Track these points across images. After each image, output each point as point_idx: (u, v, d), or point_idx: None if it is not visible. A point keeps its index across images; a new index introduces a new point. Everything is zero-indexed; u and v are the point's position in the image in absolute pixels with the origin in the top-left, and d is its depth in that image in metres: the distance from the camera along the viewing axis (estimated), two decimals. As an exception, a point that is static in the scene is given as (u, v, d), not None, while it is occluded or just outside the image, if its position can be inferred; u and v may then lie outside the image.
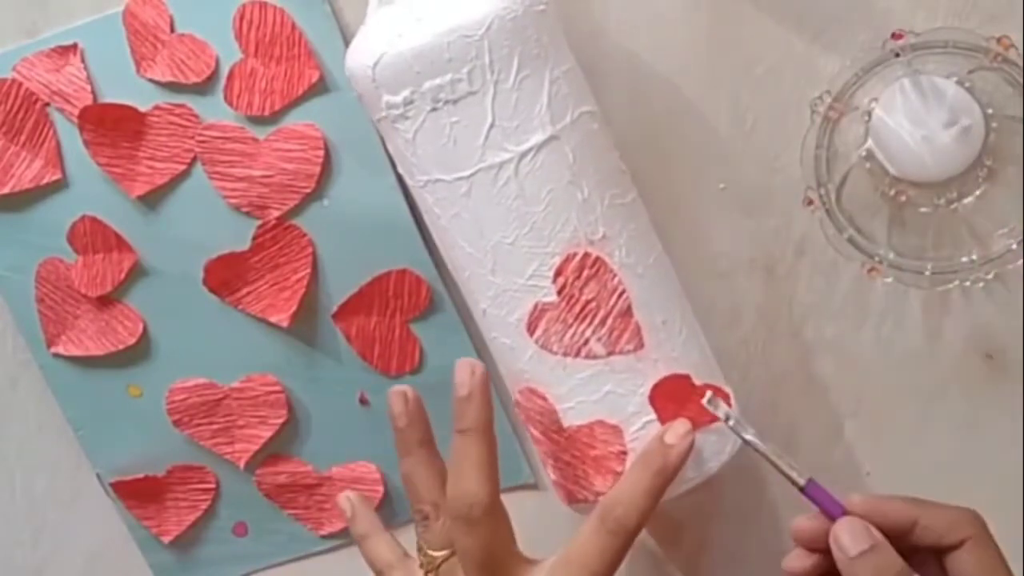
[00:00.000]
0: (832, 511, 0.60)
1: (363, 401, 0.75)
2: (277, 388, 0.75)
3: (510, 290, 0.62)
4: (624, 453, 0.63)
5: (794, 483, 0.61)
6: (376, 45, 0.60)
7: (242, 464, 0.76)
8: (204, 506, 0.77)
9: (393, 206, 0.71)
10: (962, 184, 0.65)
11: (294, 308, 0.72)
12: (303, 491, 0.76)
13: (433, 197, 0.62)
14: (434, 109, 0.59)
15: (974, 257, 0.66)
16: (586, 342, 0.62)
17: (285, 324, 0.72)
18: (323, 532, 0.77)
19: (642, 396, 0.63)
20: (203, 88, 0.71)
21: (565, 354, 0.62)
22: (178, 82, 0.70)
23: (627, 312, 0.62)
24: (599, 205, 0.61)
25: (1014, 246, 0.65)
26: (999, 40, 0.63)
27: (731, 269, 0.71)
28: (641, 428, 0.63)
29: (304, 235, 0.72)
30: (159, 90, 0.71)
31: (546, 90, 0.60)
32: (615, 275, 0.62)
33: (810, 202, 0.66)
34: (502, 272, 0.62)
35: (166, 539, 0.78)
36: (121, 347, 0.75)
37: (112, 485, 0.77)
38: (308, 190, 0.71)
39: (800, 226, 0.70)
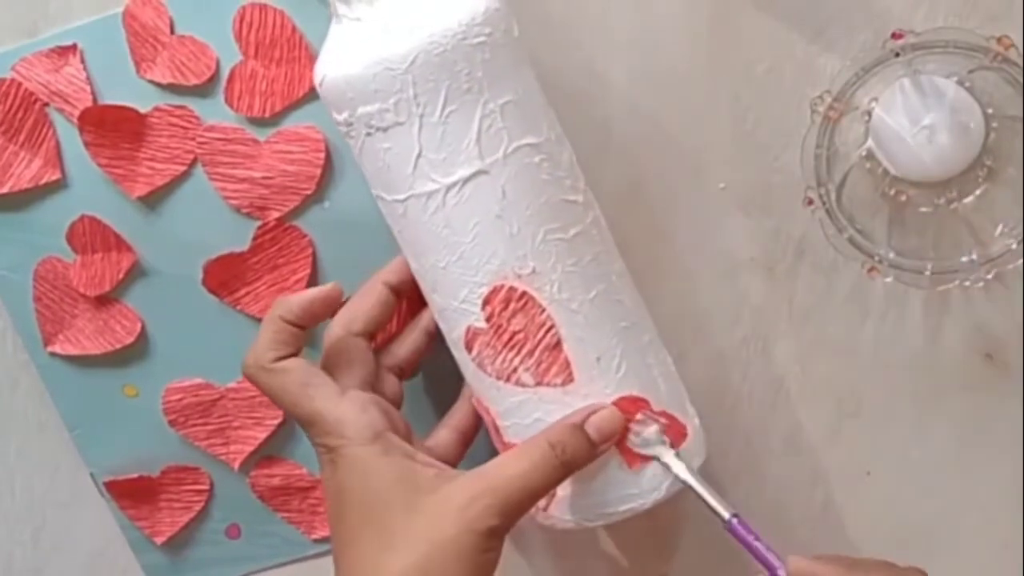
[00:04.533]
0: (760, 556, 0.61)
1: (360, 403, 0.75)
2: (274, 389, 0.74)
3: (447, 310, 0.63)
4: None
5: (719, 517, 0.62)
6: (322, 65, 0.61)
7: (236, 465, 0.76)
8: (198, 507, 0.77)
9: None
10: (962, 184, 0.65)
11: (292, 310, 0.72)
12: (297, 494, 0.76)
13: (384, 210, 0.63)
14: (368, 134, 0.60)
15: (974, 257, 0.66)
16: (515, 370, 0.62)
17: (284, 325, 0.72)
18: (316, 536, 0.77)
19: None
20: (203, 90, 0.70)
21: (497, 377, 0.63)
22: (178, 84, 0.70)
23: (556, 346, 0.62)
24: (530, 240, 0.61)
25: (1014, 246, 0.65)
26: (999, 40, 0.63)
27: (731, 269, 0.71)
28: None
29: (304, 237, 0.71)
30: (159, 91, 0.71)
31: (476, 124, 0.60)
32: (544, 310, 0.62)
33: (810, 202, 0.66)
34: (440, 292, 0.63)
35: (159, 540, 0.78)
36: (118, 346, 0.74)
37: (106, 485, 0.77)
38: (308, 192, 0.71)
39: (800, 226, 0.70)
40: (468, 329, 0.63)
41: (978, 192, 0.65)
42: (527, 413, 0.63)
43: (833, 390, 0.72)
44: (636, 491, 0.64)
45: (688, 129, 0.70)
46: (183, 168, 0.71)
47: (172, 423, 0.75)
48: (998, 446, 0.71)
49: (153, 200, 0.72)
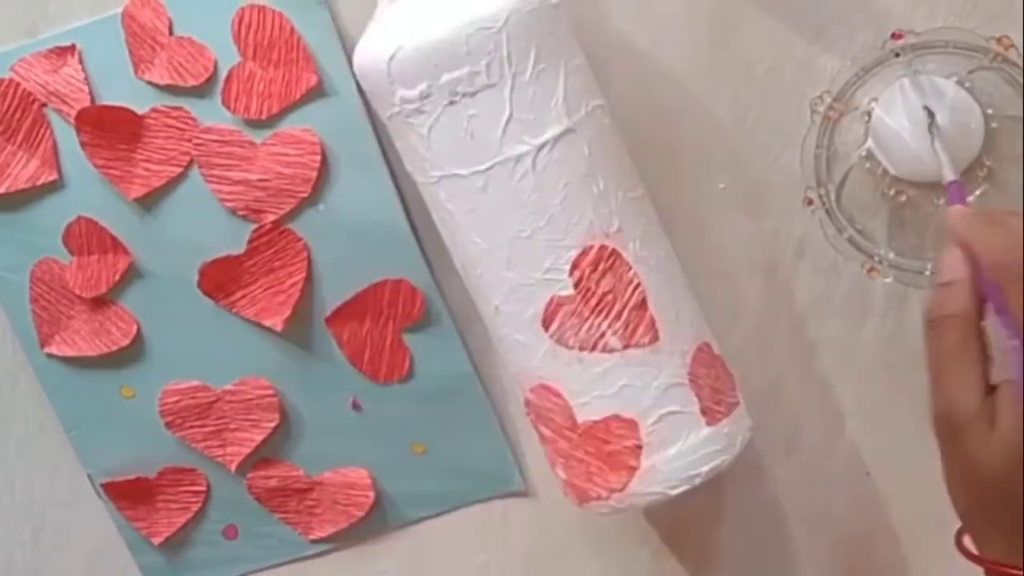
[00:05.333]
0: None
1: (356, 406, 0.74)
2: (270, 392, 0.74)
3: (526, 285, 0.62)
4: (639, 447, 0.63)
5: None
6: (392, 39, 0.60)
7: (233, 467, 0.76)
8: (195, 508, 0.77)
9: (390, 213, 0.71)
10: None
11: (288, 312, 0.72)
12: (294, 495, 0.76)
13: (447, 193, 0.62)
14: (451, 103, 0.59)
15: (974, 257, 0.66)
16: (602, 335, 0.62)
17: (279, 328, 0.72)
18: (313, 537, 0.77)
19: (657, 389, 0.63)
20: (201, 91, 0.70)
21: (581, 348, 0.62)
22: (176, 85, 0.70)
23: (642, 305, 0.62)
24: (613, 198, 0.62)
25: (1014, 246, 0.65)
26: (999, 40, 0.62)
27: (731, 269, 0.71)
28: (657, 421, 0.63)
29: (299, 240, 0.71)
30: (157, 92, 0.71)
31: (562, 83, 0.60)
32: (630, 268, 0.62)
33: (810, 202, 0.66)
34: (518, 266, 0.62)
35: (156, 540, 0.78)
36: (114, 348, 0.74)
37: (103, 486, 0.77)
38: (304, 195, 0.70)
39: (800, 226, 0.70)
40: (551, 301, 0.62)
41: (978, 192, 0.65)
42: (613, 381, 0.63)
43: (833, 390, 0.72)
44: (719, 447, 0.64)
45: (688, 129, 0.69)
46: (179, 170, 0.71)
47: (169, 425, 0.75)
48: (998, 446, 0.71)
49: (149, 202, 0.72)
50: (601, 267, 0.62)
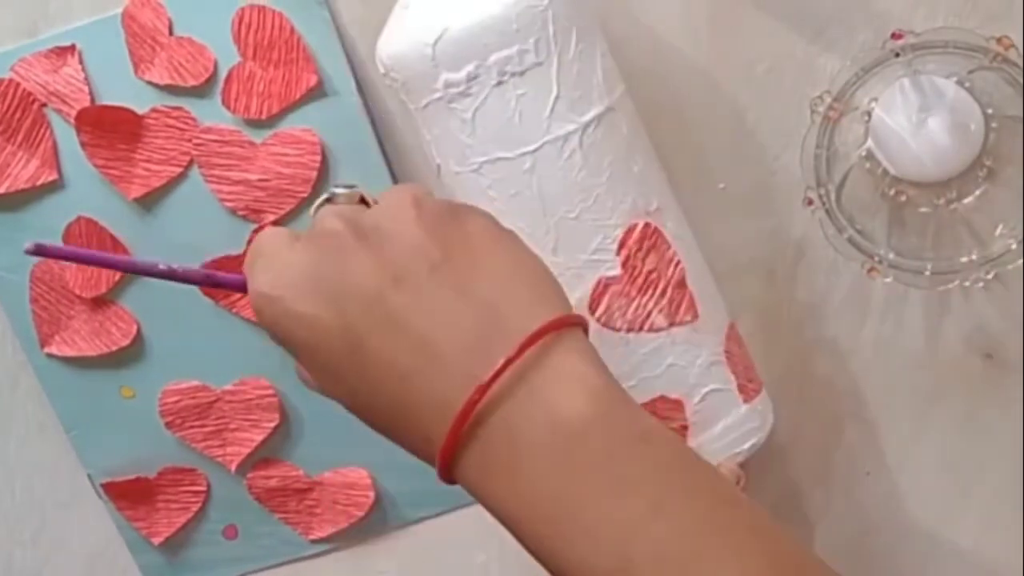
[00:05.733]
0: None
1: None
2: (270, 392, 0.74)
3: (573, 267, 0.62)
4: (686, 427, 0.63)
5: None
6: (436, 20, 0.59)
7: (233, 467, 0.76)
8: (195, 508, 0.77)
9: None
10: (962, 184, 0.65)
11: (289, 313, 0.72)
12: (294, 495, 0.76)
13: (490, 179, 0.61)
14: (499, 83, 0.59)
15: (974, 257, 0.66)
16: (648, 315, 0.62)
17: (280, 327, 0.72)
18: (313, 537, 0.77)
19: (700, 367, 0.63)
20: (201, 91, 0.70)
21: (628, 329, 0.62)
22: (176, 84, 0.70)
23: (682, 282, 0.63)
24: (650, 176, 0.63)
25: (1014, 246, 0.65)
26: (999, 40, 0.62)
27: (731, 269, 0.70)
28: (701, 400, 0.63)
29: (298, 240, 0.71)
30: (157, 92, 0.71)
31: (599, 63, 0.61)
32: (670, 246, 0.63)
33: (810, 202, 0.66)
34: (564, 249, 0.62)
35: (156, 540, 0.78)
36: (114, 348, 0.74)
37: (103, 486, 0.77)
38: (304, 195, 0.70)
39: (800, 226, 0.70)
40: (599, 282, 0.62)
41: (978, 192, 0.65)
42: (659, 361, 0.63)
43: (833, 390, 0.72)
44: (755, 424, 0.65)
45: (688, 129, 0.69)
46: (179, 170, 0.71)
47: (169, 425, 0.75)
48: (998, 446, 0.71)
49: (149, 202, 0.72)
50: (645, 245, 0.62)
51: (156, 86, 0.71)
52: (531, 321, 0.47)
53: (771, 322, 0.71)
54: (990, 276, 0.65)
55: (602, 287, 0.62)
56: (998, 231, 0.66)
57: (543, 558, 0.47)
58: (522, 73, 0.59)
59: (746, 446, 0.65)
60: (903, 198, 0.66)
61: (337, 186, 0.53)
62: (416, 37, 0.60)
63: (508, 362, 0.46)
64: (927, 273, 0.66)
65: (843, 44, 0.67)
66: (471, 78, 0.59)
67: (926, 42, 0.63)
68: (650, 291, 0.62)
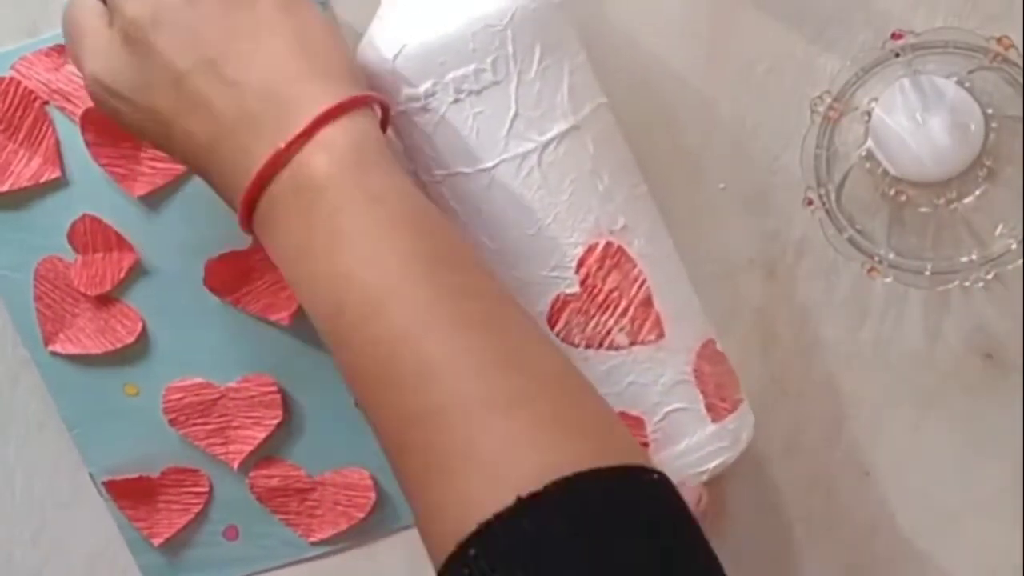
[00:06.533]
0: None
1: (359, 404, 0.74)
2: (273, 389, 0.74)
3: (531, 283, 0.62)
4: (646, 444, 0.63)
5: None
6: (397, 35, 0.60)
7: (236, 465, 0.75)
8: (196, 509, 0.77)
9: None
10: (962, 184, 0.65)
11: (294, 307, 0.72)
12: (295, 496, 0.76)
13: (452, 192, 0.62)
14: (456, 100, 0.60)
15: (974, 257, 0.66)
16: (608, 333, 0.62)
17: (286, 322, 0.72)
18: (314, 538, 0.77)
19: (663, 386, 0.63)
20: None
21: (587, 346, 0.63)
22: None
23: (647, 301, 0.63)
24: (618, 195, 0.62)
25: (1014, 246, 0.65)
26: (999, 40, 0.63)
27: (731, 269, 0.71)
28: (662, 419, 0.63)
29: (304, 235, 0.71)
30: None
31: (566, 80, 0.61)
32: (635, 265, 0.62)
33: (810, 202, 0.66)
34: (523, 266, 0.62)
35: (156, 541, 0.78)
36: (119, 346, 0.74)
37: (105, 484, 0.77)
38: (309, 190, 0.70)
39: (800, 226, 0.70)
40: (556, 299, 0.62)
41: (978, 192, 0.65)
42: (620, 378, 0.63)
43: (833, 390, 0.72)
44: (724, 444, 0.65)
45: (688, 129, 0.70)
46: (184, 168, 0.71)
47: (172, 422, 0.75)
48: (998, 446, 0.71)
49: (154, 199, 0.72)
50: (607, 264, 0.62)
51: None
52: (309, 104, 0.55)
53: (771, 322, 0.71)
54: (990, 276, 0.65)
55: (560, 303, 0.62)
56: (998, 231, 0.66)
57: (301, 302, 0.57)
58: (479, 92, 0.59)
59: (711, 465, 0.64)
60: (903, 198, 0.66)
61: None
62: (381, 50, 0.61)
63: (277, 153, 0.54)
64: (927, 273, 0.66)
65: (843, 44, 0.67)
66: (429, 95, 0.60)
67: (926, 42, 0.64)
68: (610, 310, 0.62)
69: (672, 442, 0.64)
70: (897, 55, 0.64)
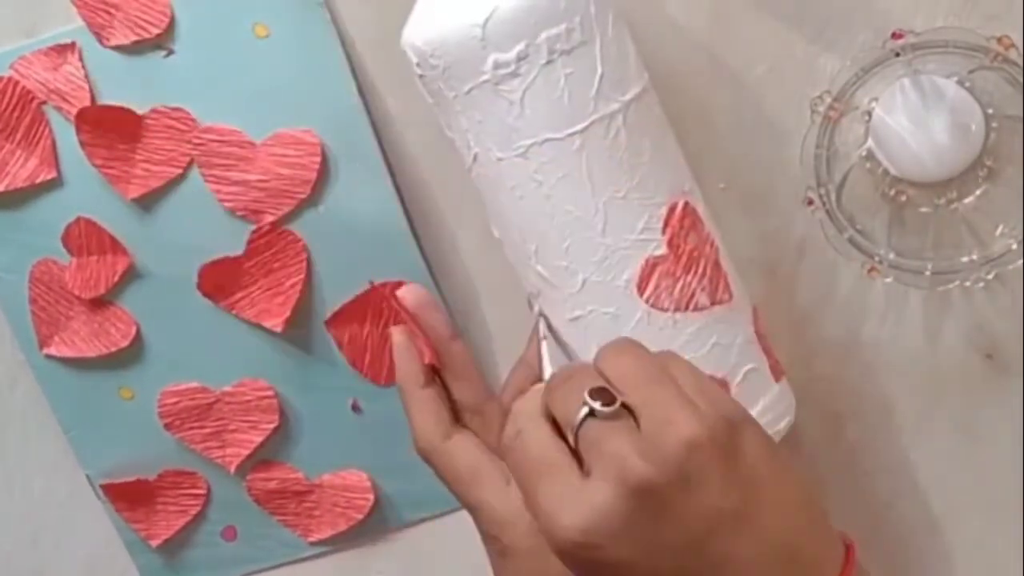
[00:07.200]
0: None
1: (355, 408, 0.74)
2: (269, 393, 0.74)
3: (621, 248, 0.61)
4: None
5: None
6: (482, 1, 0.58)
7: (232, 469, 0.75)
8: (194, 511, 0.77)
9: (389, 215, 0.71)
10: (962, 184, 0.65)
11: (288, 314, 0.72)
12: (293, 498, 0.76)
13: (537, 162, 0.60)
14: (549, 62, 0.58)
15: (974, 257, 0.66)
16: (692, 294, 0.62)
17: (279, 329, 0.72)
18: (312, 539, 0.77)
19: (739, 346, 0.63)
20: (163, 40, 0.70)
21: (675, 309, 0.62)
22: (142, 39, 0.70)
23: (718, 262, 0.63)
24: (680, 157, 0.63)
25: (1014, 246, 0.65)
26: (999, 40, 0.62)
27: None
28: (743, 379, 0.63)
29: (299, 241, 0.71)
30: (155, 91, 0.70)
31: (631, 44, 0.61)
32: (705, 225, 0.63)
33: (810, 202, 0.66)
34: (613, 230, 0.61)
35: (155, 542, 0.78)
36: (113, 349, 0.74)
37: (102, 487, 0.77)
38: (303, 196, 0.70)
39: (800, 226, 0.70)
40: (646, 262, 0.61)
41: (978, 192, 0.65)
42: (704, 341, 0.62)
43: (833, 390, 0.72)
44: (786, 404, 0.65)
45: (688, 129, 0.69)
46: (179, 170, 0.71)
47: (168, 426, 0.75)
48: (998, 446, 0.71)
49: (148, 202, 0.72)
50: (686, 224, 0.62)
51: (126, 49, 0.70)
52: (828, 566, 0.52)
53: (771, 322, 0.71)
54: (990, 276, 0.65)
55: (650, 267, 0.62)
56: (998, 231, 0.65)
57: None
58: (570, 51, 0.58)
59: (782, 425, 0.65)
60: (903, 198, 0.66)
61: (592, 394, 0.52)
62: (462, 18, 0.58)
63: None
64: (927, 273, 0.66)
65: (843, 44, 0.67)
66: (521, 58, 0.58)
67: (926, 42, 0.63)
68: (693, 270, 0.62)
69: (751, 403, 0.63)
70: (897, 55, 0.63)
